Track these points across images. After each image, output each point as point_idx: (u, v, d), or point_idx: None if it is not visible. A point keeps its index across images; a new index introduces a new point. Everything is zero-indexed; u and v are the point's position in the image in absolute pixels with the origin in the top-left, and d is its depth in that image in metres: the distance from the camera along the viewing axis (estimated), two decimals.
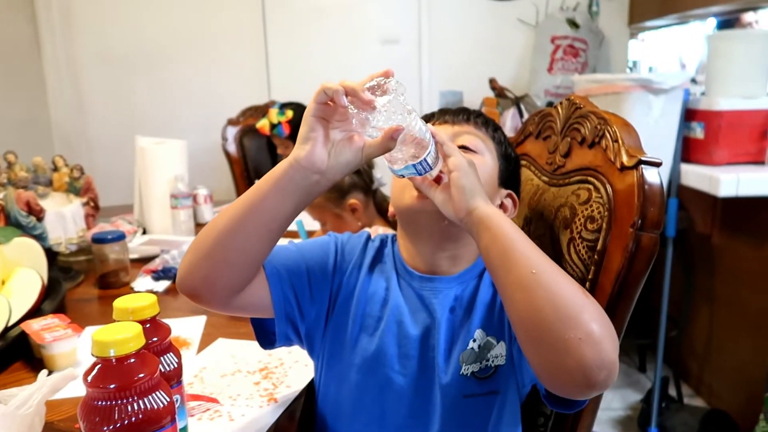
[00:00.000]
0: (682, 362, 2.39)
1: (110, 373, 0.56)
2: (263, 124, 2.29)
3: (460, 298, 0.85)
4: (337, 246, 0.89)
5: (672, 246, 2.07)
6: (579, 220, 0.88)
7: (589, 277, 0.85)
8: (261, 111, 2.72)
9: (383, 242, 0.92)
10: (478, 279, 0.86)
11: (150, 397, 0.57)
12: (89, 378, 0.55)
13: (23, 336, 0.99)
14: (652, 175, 0.79)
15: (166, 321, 1.18)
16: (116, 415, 0.55)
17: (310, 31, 3.12)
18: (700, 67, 3.16)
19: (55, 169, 1.45)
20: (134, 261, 1.54)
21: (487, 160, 0.86)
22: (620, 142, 0.83)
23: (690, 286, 2.26)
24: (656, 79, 1.97)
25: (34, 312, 1.09)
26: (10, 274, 1.11)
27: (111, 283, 1.37)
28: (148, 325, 0.65)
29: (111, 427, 0.55)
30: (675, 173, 2.03)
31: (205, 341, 1.08)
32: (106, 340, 0.56)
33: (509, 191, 0.90)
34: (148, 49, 3.11)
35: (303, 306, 0.82)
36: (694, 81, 3.13)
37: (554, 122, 1.01)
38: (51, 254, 1.35)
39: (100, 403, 0.55)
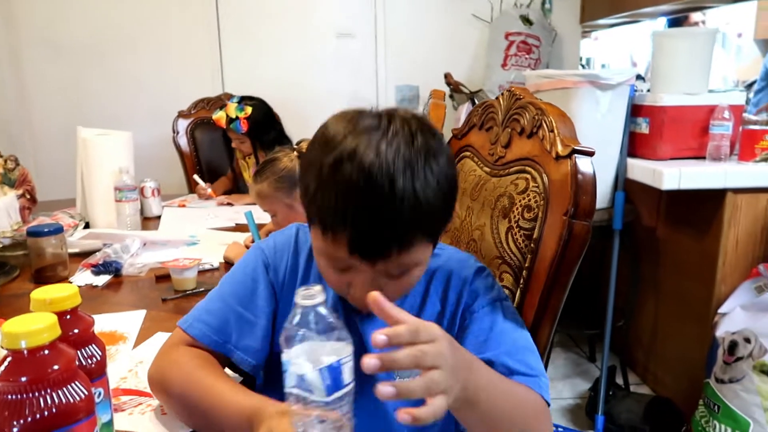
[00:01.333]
0: (628, 351, 2.46)
1: (22, 366, 0.53)
2: (220, 116, 2.24)
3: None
4: (266, 267, 0.83)
5: (619, 238, 2.12)
6: (517, 209, 0.89)
7: (526, 265, 0.86)
8: (213, 104, 2.67)
9: None
10: (423, 293, 0.81)
11: (64, 390, 0.55)
12: None
13: None
14: (585, 165, 0.80)
15: (104, 316, 1.16)
16: (28, 410, 0.53)
17: (264, 23, 3.08)
18: (649, 65, 3.25)
19: None
20: (76, 255, 1.49)
21: (423, 264, 0.73)
22: (556, 132, 0.84)
23: (636, 277, 2.33)
24: (603, 75, 2.01)
25: None
26: None
27: (48, 277, 1.32)
28: (68, 317, 0.63)
29: (22, 422, 0.52)
30: (621, 167, 2.07)
31: (144, 335, 1.05)
32: (18, 331, 0.53)
33: None
34: (97, 39, 3.01)
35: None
36: (641, 78, 3.22)
37: (496, 113, 1.02)
38: None
39: (11, 397, 0.53)
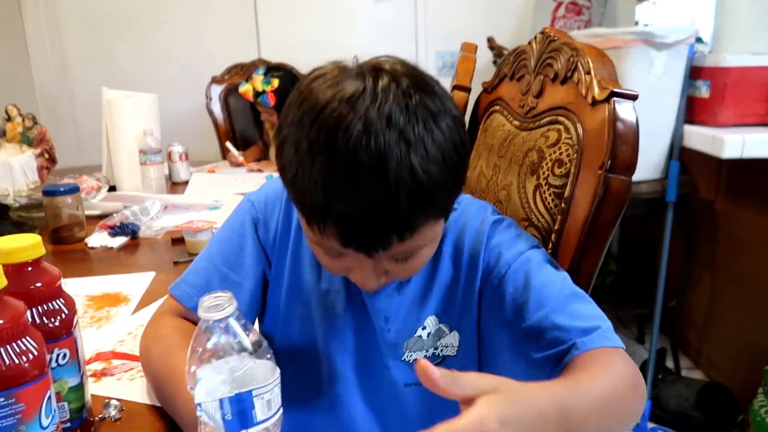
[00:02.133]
0: (680, 333, 2.30)
1: None
2: (246, 90, 2.17)
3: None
4: (255, 224, 0.75)
5: (672, 211, 1.96)
6: (546, 164, 0.78)
7: (555, 227, 0.76)
8: (248, 69, 2.61)
9: None
10: (434, 257, 0.70)
11: (10, 347, 0.49)
12: None
13: None
14: (625, 110, 0.69)
15: (112, 277, 1.13)
16: None
17: None
18: (714, 30, 3.00)
19: (9, 119, 1.37)
20: (97, 217, 1.46)
21: (435, 242, 0.63)
22: (593, 73, 0.73)
23: (691, 254, 2.16)
24: (659, 32, 1.83)
25: None
26: None
27: (64, 238, 1.30)
28: (29, 269, 0.57)
29: None
30: (677, 134, 1.90)
31: (148, 298, 1.00)
32: None
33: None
34: (131, 6, 2.99)
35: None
36: (700, 40, 2.97)
37: (528, 60, 0.91)
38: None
39: None
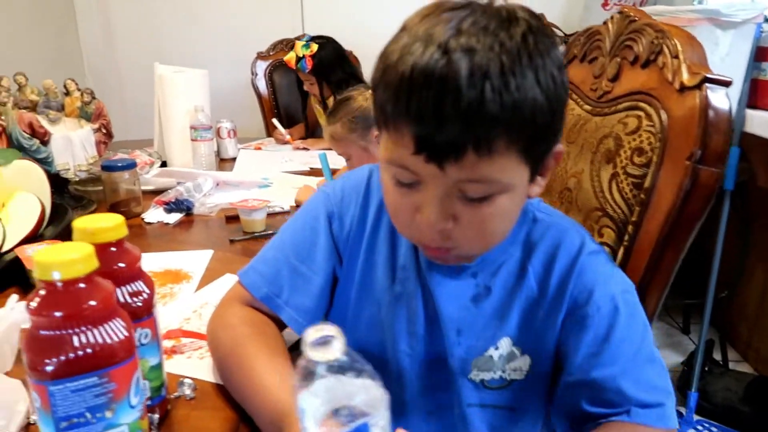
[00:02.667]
0: (729, 325, 2.24)
1: (55, 299, 0.48)
2: (290, 57, 2.18)
3: (487, 288, 0.66)
4: (330, 218, 0.72)
5: (729, 199, 1.89)
6: (624, 152, 0.75)
7: (632, 219, 0.73)
8: (293, 45, 2.60)
9: None
10: (518, 269, 0.65)
11: (102, 328, 0.49)
12: (32, 304, 0.48)
13: (18, 261, 0.94)
14: (719, 98, 0.65)
15: (172, 253, 1.14)
16: (62, 347, 0.48)
17: None
18: None
19: (67, 93, 1.39)
20: (150, 192, 1.48)
21: (515, 192, 0.56)
22: (681, 57, 0.69)
23: (746, 244, 2.09)
24: (725, 11, 1.75)
25: (34, 237, 1.04)
26: (10, 197, 1.06)
27: (122, 213, 1.29)
28: (113, 249, 0.57)
29: (56, 360, 0.47)
30: (739, 119, 1.82)
31: (209, 276, 1.01)
32: (50, 260, 0.48)
33: (555, 149, 0.59)
34: None
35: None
36: (767, 20, 2.83)
37: (603, 41, 0.87)
38: (60, 180, 1.30)
39: (44, 333, 0.48)
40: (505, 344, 0.65)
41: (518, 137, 0.51)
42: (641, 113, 0.75)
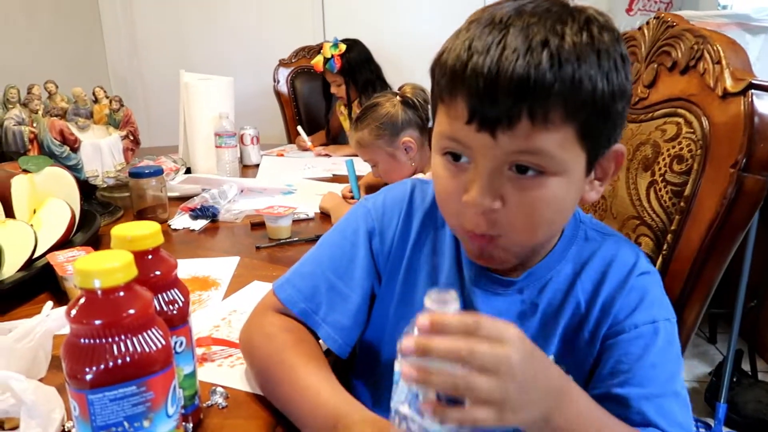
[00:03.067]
0: (758, 335, 2.19)
1: (95, 307, 0.48)
2: (318, 61, 2.20)
3: (533, 304, 0.64)
4: (370, 234, 0.70)
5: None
6: (663, 160, 0.74)
7: (672, 228, 0.71)
8: (314, 52, 2.61)
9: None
10: (567, 285, 0.63)
11: (141, 337, 0.49)
12: (72, 313, 0.48)
13: (50, 267, 0.95)
14: (764, 104, 0.63)
15: (199, 260, 1.14)
16: (101, 356, 0.47)
17: None
18: None
19: (96, 100, 1.40)
20: (176, 199, 1.49)
21: (567, 178, 0.54)
22: (724, 63, 0.67)
23: None
24: (755, 15, 1.73)
25: (64, 243, 1.05)
26: (41, 203, 1.07)
27: (148, 219, 1.32)
28: (149, 257, 0.57)
29: (95, 368, 0.47)
30: None
31: (236, 283, 1.01)
32: (91, 269, 0.47)
33: (615, 148, 0.58)
34: None
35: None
36: None
37: (638, 47, 0.86)
38: (88, 187, 1.31)
39: (84, 341, 0.48)
40: None
41: (575, 113, 0.50)
42: (680, 120, 0.73)
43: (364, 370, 0.75)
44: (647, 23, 0.85)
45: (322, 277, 0.70)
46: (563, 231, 0.65)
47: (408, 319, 0.68)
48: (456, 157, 0.55)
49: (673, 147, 0.73)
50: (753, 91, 0.63)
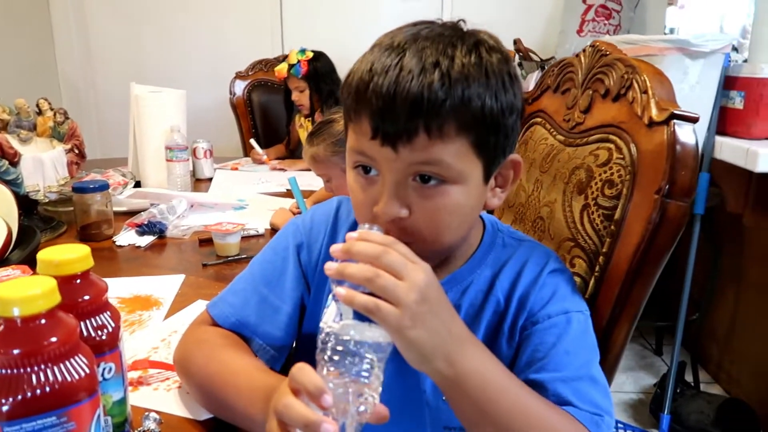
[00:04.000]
0: (701, 347, 2.27)
1: (14, 335, 0.46)
2: (281, 68, 2.23)
3: (456, 306, 0.66)
4: (299, 248, 0.74)
5: (699, 224, 1.93)
6: (596, 184, 0.76)
7: (603, 250, 0.74)
8: (271, 65, 2.61)
9: None
10: (486, 289, 0.67)
11: (63, 365, 0.48)
12: None
13: None
14: (685, 133, 0.67)
15: (143, 278, 1.12)
16: (20, 386, 0.46)
17: None
18: (742, 34, 2.94)
19: (40, 112, 1.36)
20: (123, 214, 1.46)
21: (467, 186, 0.59)
22: (650, 93, 0.71)
23: (716, 267, 2.12)
24: (695, 41, 1.80)
25: (0, 262, 1.01)
26: None
27: (93, 235, 1.29)
28: (77, 281, 0.56)
29: (12, 399, 0.46)
30: (708, 146, 1.87)
31: (179, 302, 0.99)
32: (10, 296, 0.46)
33: (511, 157, 0.64)
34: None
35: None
36: (735, 49, 2.92)
37: (575, 73, 0.89)
38: (28, 202, 1.27)
39: (2, 371, 0.46)
40: None
41: (467, 126, 0.55)
42: (612, 146, 0.76)
43: None
44: (584, 50, 0.88)
45: (253, 291, 0.72)
46: (483, 238, 0.69)
47: None
48: (366, 169, 0.60)
49: (605, 172, 0.75)
50: (675, 120, 0.66)
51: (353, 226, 0.73)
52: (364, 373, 0.50)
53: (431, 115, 0.54)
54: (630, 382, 2.22)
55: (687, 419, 1.90)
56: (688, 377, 2.11)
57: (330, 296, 0.53)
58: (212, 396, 0.65)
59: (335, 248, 0.51)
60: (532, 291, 0.65)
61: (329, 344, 0.51)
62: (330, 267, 0.51)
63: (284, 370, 0.74)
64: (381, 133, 0.55)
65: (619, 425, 1.88)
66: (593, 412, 0.58)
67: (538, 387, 0.59)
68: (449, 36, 0.57)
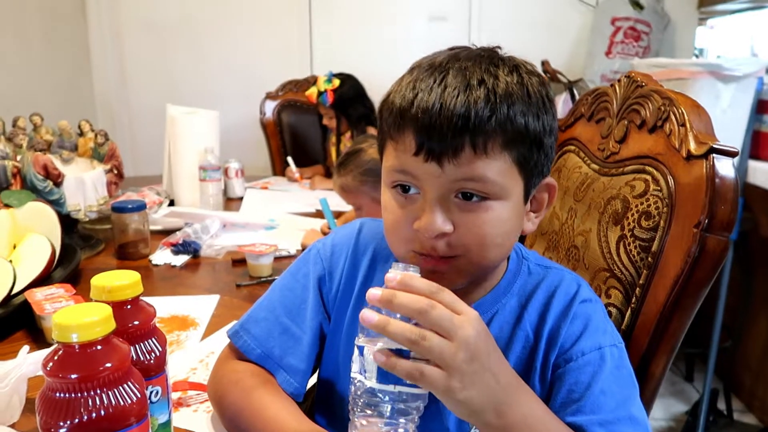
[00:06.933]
0: (733, 374, 2.22)
1: (72, 361, 0.48)
2: (311, 92, 2.26)
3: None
4: (320, 277, 0.73)
5: (732, 249, 1.90)
6: (632, 215, 0.76)
7: (640, 282, 0.74)
8: (301, 86, 2.65)
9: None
10: (515, 319, 0.65)
11: (117, 390, 0.50)
12: (48, 366, 0.48)
13: (27, 305, 0.95)
14: (725, 167, 0.66)
15: (179, 298, 1.15)
16: (76, 410, 0.48)
17: (355, 4, 3.02)
18: None
19: (81, 134, 1.41)
20: (158, 233, 1.49)
21: (509, 202, 0.59)
22: (688, 126, 0.71)
23: (749, 293, 2.08)
24: (727, 65, 1.79)
25: (44, 280, 1.05)
26: (22, 239, 1.07)
27: (130, 254, 1.33)
28: (128, 307, 0.58)
29: (69, 422, 0.48)
30: (741, 170, 1.85)
31: (215, 323, 1.01)
32: (69, 323, 0.48)
33: (546, 181, 0.64)
34: (191, 20, 3.07)
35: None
36: None
37: (610, 102, 0.89)
38: (69, 221, 1.31)
39: (59, 395, 0.48)
40: None
41: (512, 143, 0.56)
42: (648, 177, 0.76)
43: (323, 406, 0.76)
44: (618, 81, 0.88)
45: (275, 322, 0.71)
46: (507, 266, 0.68)
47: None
48: (405, 189, 0.59)
49: (642, 203, 0.75)
50: (714, 155, 0.66)
51: (379, 248, 0.71)
52: (402, 422, 0.50)
53: (477, 132, 0.54)
54: (660, 409, 2.18)
55: None
56: (721, 405, 2.07)
57: (357, 345, 0.51)
58: None
59: (373, 295, 0.48)
60: (563, 324, 0.63)
61: (363, 397, 0.50)
62: (369, 319, 0.47)
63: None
64: (426, 149, 0.55)
65: None
66: None
67: (576, 430, 0.58)
68: (489, 57, 0.58)
